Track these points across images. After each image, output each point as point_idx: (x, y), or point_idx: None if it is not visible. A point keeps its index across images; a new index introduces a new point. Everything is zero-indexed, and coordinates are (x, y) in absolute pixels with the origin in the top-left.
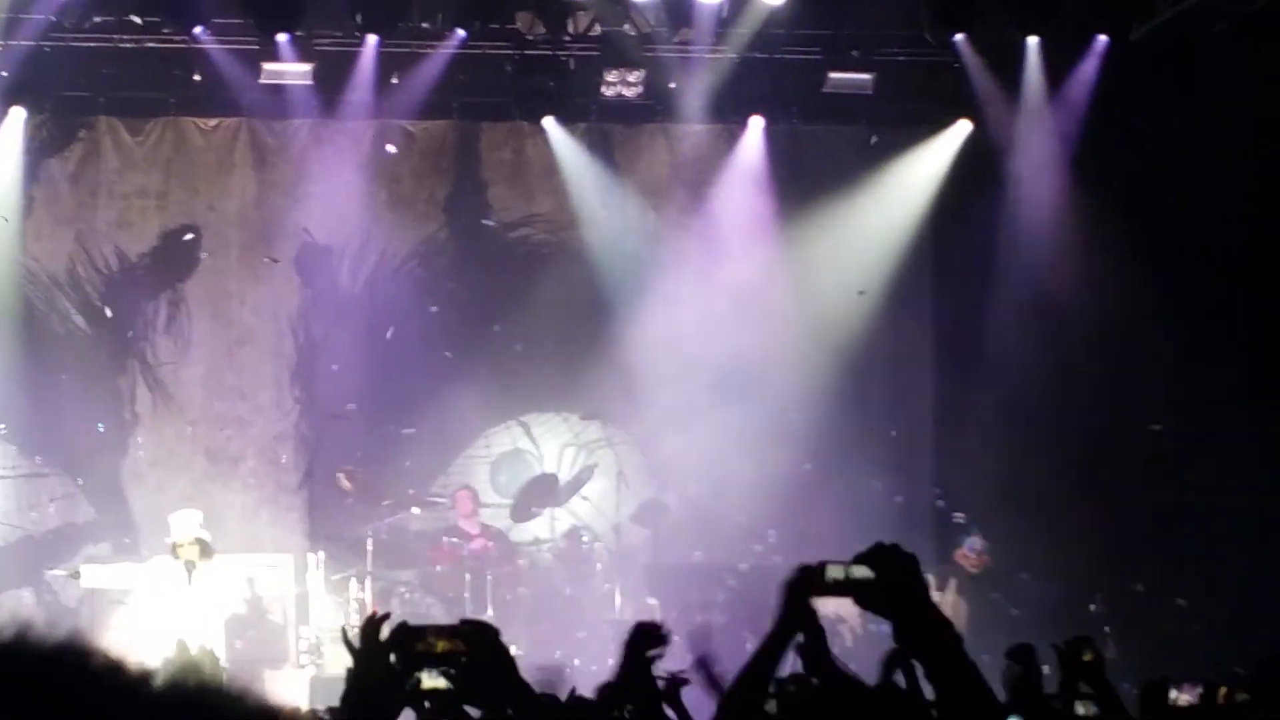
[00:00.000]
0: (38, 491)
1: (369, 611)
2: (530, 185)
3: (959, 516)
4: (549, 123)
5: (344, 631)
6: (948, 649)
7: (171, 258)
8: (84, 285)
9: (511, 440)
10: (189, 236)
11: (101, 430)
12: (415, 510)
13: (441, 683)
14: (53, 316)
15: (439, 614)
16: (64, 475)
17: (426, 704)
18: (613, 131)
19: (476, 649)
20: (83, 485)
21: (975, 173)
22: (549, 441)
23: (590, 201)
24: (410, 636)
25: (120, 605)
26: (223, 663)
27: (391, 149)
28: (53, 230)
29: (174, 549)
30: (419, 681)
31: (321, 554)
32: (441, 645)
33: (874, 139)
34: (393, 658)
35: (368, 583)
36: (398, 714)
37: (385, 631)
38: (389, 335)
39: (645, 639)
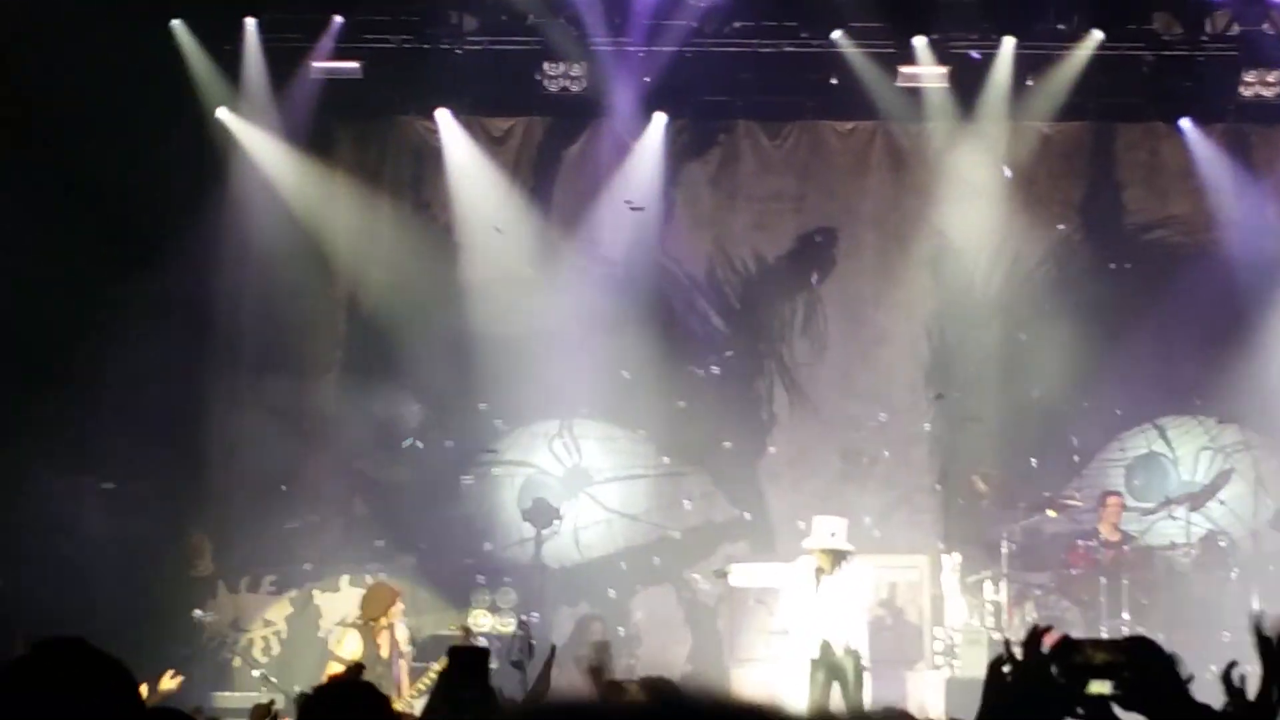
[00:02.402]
0: (677, 490)
1: (1003, 614)
2: (1166, 186)
3: None
4: (1185, 123)
5: (1006, 644)
6: None
7: (808, 260)
8: (722, 286)
9: (1147, 444)
10: (824, 238)
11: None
12: (1050, 514)
13: (1108, 688)
14: (692, 317)
15: (1074, 618)
16: (702, 474)
17: (1084, 711)
18: (1251, 132)
19: (1137, 661)
20: (721, 485)
21: None
22: (1185, 445)
23: (1227, 203)
24: (1070, 649)
25: (760, 605)
26: (865, 663)
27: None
28: (692, 232)
29: (812, 552)
30: (1084, 688)
31: (956, 555)
32: (1100, 657)
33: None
34: (1054, 669)
35: (1002, 585)
36: None
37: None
38: (1023, 338)
39: None
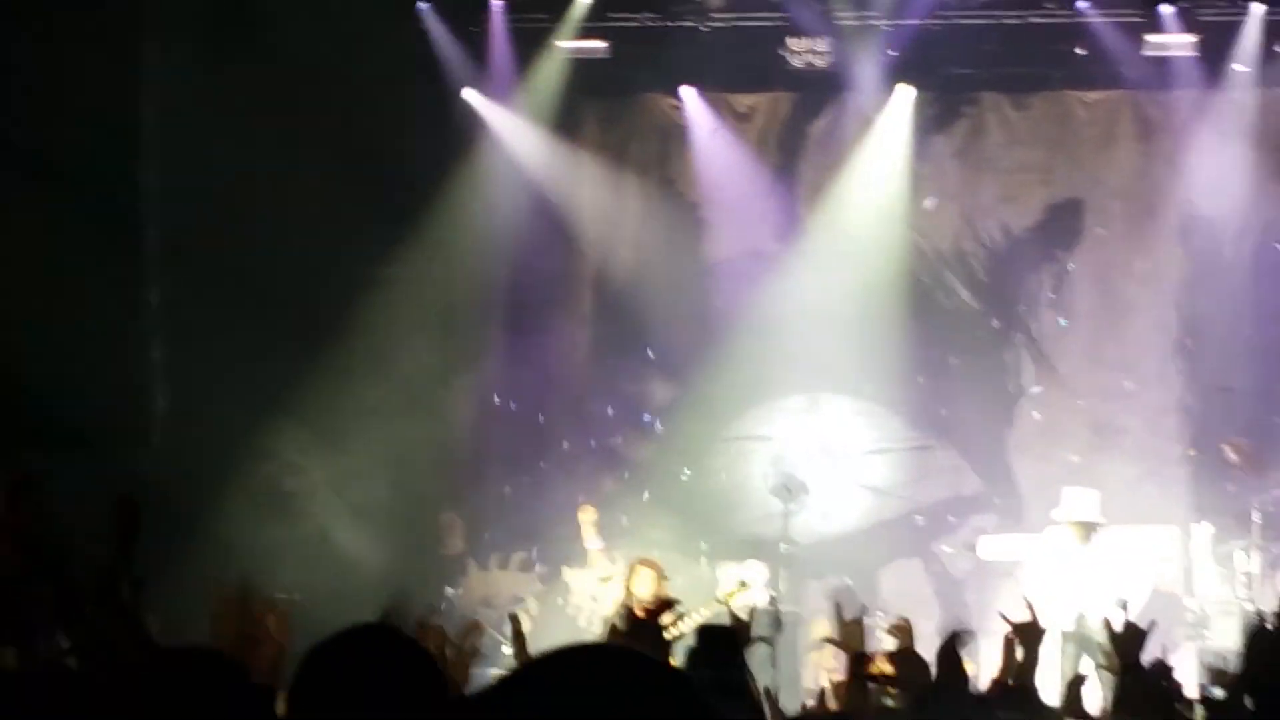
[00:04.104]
0: (926, 464)
1: (1255, 584)
2: None
3: None
4: None
5: (1259, 614)
6: None
7: (1055, 231)
8: (969, 260)
9: None
10: (1073, 210)
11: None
12: None
13: None
14: (939, 292)
15: None
16: (951, 448)
17: None
18: None
19: None
20: (970, 458)
21: None
22: None
23: None
24: None
25: (1008, 578)
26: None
27: None
28: (939, 206)
29: (1062, 524)
30: None
31: (1207, 525)
32: None
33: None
34: None
35: (1254, 555)
36: None
37: None
38: (1268, 312)
39: None
